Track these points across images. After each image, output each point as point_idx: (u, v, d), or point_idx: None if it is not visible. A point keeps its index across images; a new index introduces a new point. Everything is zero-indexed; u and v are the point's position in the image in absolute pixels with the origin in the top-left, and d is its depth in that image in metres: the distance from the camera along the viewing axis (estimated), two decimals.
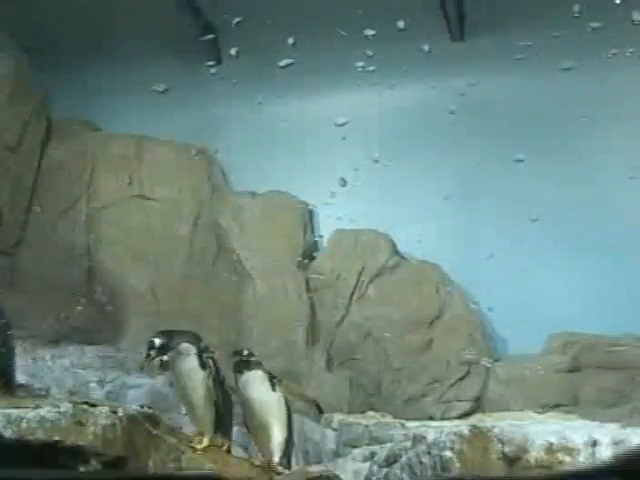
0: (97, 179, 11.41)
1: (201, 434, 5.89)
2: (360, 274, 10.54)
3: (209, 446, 5.82)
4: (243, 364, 6.36)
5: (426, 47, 9.73)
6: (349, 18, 10.06)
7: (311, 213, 11.26)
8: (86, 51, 11.65)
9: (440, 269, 10.59)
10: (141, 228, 11.13)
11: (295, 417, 8.47)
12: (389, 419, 8.84)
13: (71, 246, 11.15)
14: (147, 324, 10.15)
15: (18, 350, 7.59)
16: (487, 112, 10.69)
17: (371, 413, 9.14)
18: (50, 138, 11.73)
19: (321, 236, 11.16)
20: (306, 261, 10.83)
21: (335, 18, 9.97)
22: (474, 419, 8.28)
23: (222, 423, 6.06)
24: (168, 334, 5.94)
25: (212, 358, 6.02)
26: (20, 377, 7.09)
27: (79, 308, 10.32)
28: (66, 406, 5.24)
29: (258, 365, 6.37)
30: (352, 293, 10.48)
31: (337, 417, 8.73)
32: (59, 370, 8.91)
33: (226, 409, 6.13)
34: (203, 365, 5.93)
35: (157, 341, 5.86)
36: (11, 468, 4.52)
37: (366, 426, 8.36)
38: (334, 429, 8.58)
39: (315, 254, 11.02)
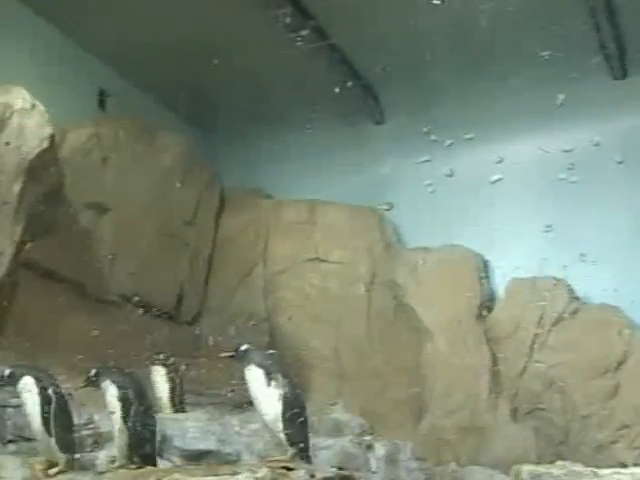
0: (272, 245, 14.21)
1: (52, 462, 7.54)
2: (540, 322, 12.62)
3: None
4: (240, 360, 7.65)
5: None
6: (499, 68, 12.75)
7: (486, 263, 13.56)
8: (251, 120, 14.66)
9: (621, 311, 12.52)
10: (319, 290, 13.67)
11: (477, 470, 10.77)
12: (580, 467, 9.58)
13: (251, 312, 13.74)
14: (331, 385, 12.76)
15: (205, 417, 9.92)
16: None
17: (560, 462, 9.91)
18: (224, 208, 14.72)
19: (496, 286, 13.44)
20: (484, 312, 13.03)
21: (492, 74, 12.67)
22: None
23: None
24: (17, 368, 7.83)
25: (56, 391, 7.64)
26: (210, 444, 9.13)
27: None
28: (263, 471, 6.31)
29: (254, 360, 7.51)
30: (533, 342, 12.54)
31: (526, 468, 9.45)
32: (248, 435, 9.72)
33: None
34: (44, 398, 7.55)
35: (7, 372, 7.73)
36: None
37: (557, 476, 9.24)
38: None
39: (492, 304, 13.30)
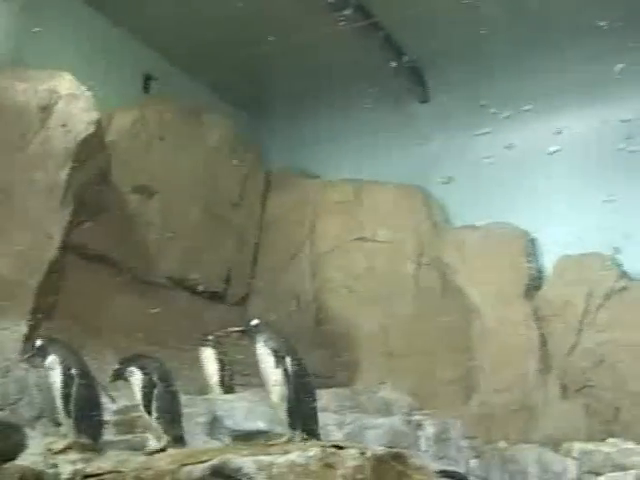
0: (319, 225, 14.29)
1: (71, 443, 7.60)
2: (588, 299, 12.54)
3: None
4: (251, 336, 7.64)
5: None
6: (556, 39, 12.64)
7: (533, 241, 13.47)
8: (297, 101, 14.65)
9: None
10: (366, 270, 13.70)
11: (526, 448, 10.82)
12: (631, 445, 10.23)
13: (298, 292, 13.92)
14: (380, 364, 12.83)
15: (255, 397, 9.64)
16: None
17: (611, 440, 10.54)
18: (270, 190, 14.79)
19: (544, 264, 13.33)
20: (532, 290, 13.02)
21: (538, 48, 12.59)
22: None
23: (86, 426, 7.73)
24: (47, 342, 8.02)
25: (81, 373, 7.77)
26: (260, 424, 9.06)
27: (311, 353, 11.87)
28: (314, 450, 6.32)
29: (264, 338, 7.49)
30: (582, 319, 12.48)
31: (577, 445, 10.27)
32: None
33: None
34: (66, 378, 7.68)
35: (38, 342, 7.99)
36: None
37: (608, 453, 9.97)
38: (574, 458, 10.06)
39: (541, 282, 13.24)
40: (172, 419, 7.86)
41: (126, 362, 8.14)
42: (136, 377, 7.96)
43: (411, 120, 14.44)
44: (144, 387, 7.87)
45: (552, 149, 11.72)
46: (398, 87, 14.24)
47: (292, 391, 7.29)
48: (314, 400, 7.63)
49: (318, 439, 7.35)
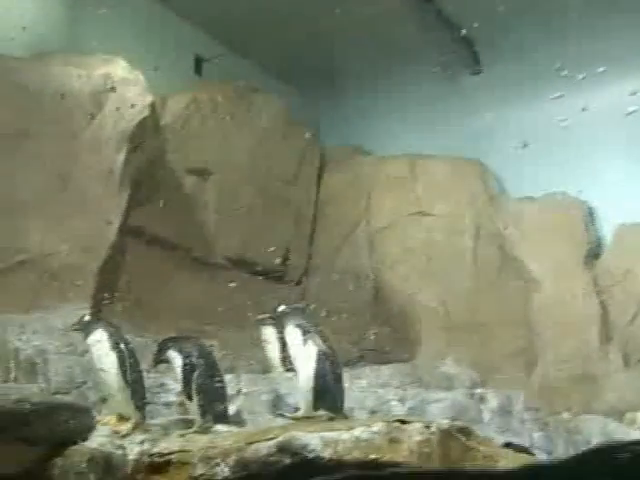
0: (374, 201, 14.24)
1: (122, 417, 7.70)
2: None
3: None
4: (279, 322, 8.16)
5: None
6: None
7: (592, 210, 13.34)
8: (348, 78, 14.61)
9: None
10: (423, 245, 13.64)
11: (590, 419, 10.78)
12: None
13: (356, 269, 13.84)
14: (440, 338, 12.76)
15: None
16: None
17: None
18: (325, 167, 14.81)
19: (604, 233, 13.22)
20: (592, 260, 12.94)
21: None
22: None
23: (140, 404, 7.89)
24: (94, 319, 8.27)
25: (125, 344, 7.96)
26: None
27: (370, 329, 12.69)
28: (379, 425, 6.32)
29: (291, 321, 7.86)
30: None
31: None
32: (358, 391, 9.81)
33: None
34: (116, 349, 7.82)
35: (87, 317, 8.18)
36: None
37: None
38: (639, 428, 10.10)
39: (600, 252, 13.14)
40: (213, 398, 8.02)
41: (165, 345, 8.29)
42: (175, 359, 8.13)
43: (464, 92, 14.34)
44: (184, 369, 8.03)
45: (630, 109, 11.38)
46: (452, 59, 14.15)
47: (320, 370, 7.56)
48: (341, 379, 7.83)
49: (344, 417, 7.62)
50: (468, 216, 13.77)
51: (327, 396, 7.59)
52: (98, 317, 8.33)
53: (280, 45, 14.10)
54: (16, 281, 9.70)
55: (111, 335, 7.99)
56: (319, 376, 7.53)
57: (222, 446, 6.84)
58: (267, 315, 10.44)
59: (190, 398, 7.96)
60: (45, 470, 5.93)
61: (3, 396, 5.38)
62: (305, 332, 7.72)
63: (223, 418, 8.02)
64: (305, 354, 7.68)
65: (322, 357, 7.59)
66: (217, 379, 8.14)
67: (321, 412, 7.50)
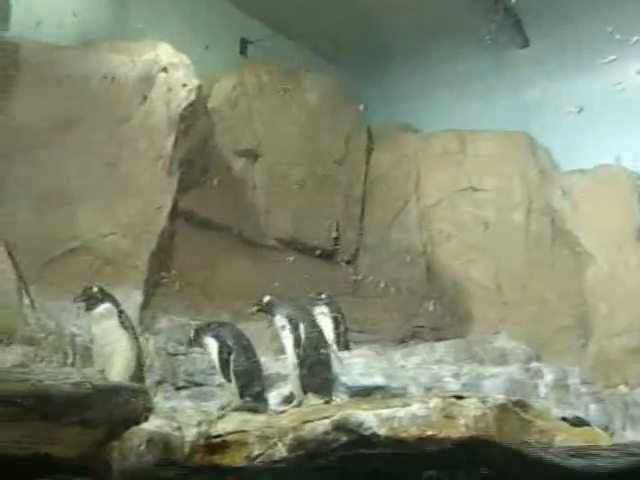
0: (424, 178, 14.21)
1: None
2: None
3: None
4: (266, 312, 8.58)
5: None
6: None
7: None
8: (395, 55, 14.64)
9: None
10: (474, 220, 13.58)
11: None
12: None
13: (407, 247, 13.86)
14: (493, 314, 12.72)
15: (370, 353, 10.14)
16: None
17: None
18: (373, 146, 14.80)
19: None
20: None
21: None
22: None
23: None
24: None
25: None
26: (377, 379, 9.15)
27: (423, 306, 12.68)
28: (435, 401, 6.51)
29: (277, 311, 8.39)
30: None
31: None
32: (413, 368, 9.84)
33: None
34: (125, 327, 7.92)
35: (95, 289, 8.09)
36: None
37: None
38: None
39: None
40: (250, 380, 8.31)
41: (200, 331, 8.57)
42: (211, 345, 8.40)
43: (512, 66, 14.24)
44: (220, 353, 8.30)
45: None
46: (497, 34, 14.01)
47: (304, 355, 8.12)
48: (328, 367, 8.38)
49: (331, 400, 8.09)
50: (518, 190, 13.68)
51: (312, 381, 8.09)
52: (104, 291, 8.23)
53: (325, 25, 14.10)
54: (70, 268, 9.86)
55: (120, 312, 8.07)
56: (303, 363, 8.08)
57: (278, 425, 6.93)
58: (320, 294, 10.61)
59: (229, 380, 8.24)
60: (104, 452, 5.99)
61: (63, 379, 5.44)
62: (291, 321, 8.22)
63: (260, 398, 8.30)
64: (290, 342, 8.18)
65: (305, 345, 8.11)
66: (253, 361, 8.45)
67: (310, 396, 8.00)
